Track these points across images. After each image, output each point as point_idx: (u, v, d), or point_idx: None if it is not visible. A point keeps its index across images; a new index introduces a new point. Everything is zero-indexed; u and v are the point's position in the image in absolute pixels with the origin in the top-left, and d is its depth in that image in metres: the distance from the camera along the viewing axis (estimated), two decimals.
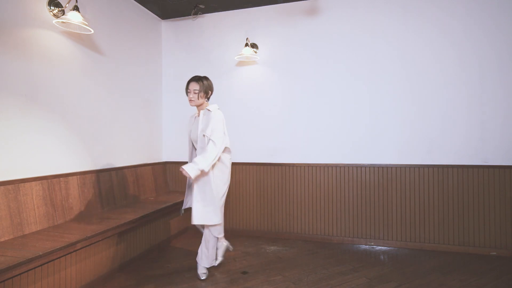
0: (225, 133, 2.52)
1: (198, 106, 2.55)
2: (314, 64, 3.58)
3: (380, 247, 3.31)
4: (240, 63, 3.81)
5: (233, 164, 3.81)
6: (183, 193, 3.79)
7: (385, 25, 3.36)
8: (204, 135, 2.45)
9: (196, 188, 2.44)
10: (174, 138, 4.08)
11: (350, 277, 2.57)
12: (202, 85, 2.49)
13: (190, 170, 2.30)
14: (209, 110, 2.51)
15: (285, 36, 3.67)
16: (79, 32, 2.67)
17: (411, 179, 3.28)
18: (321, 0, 3.55)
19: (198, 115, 2.58)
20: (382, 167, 3.35)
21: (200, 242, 2.63)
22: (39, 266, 1.89)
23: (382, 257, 3.03)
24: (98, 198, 2.87)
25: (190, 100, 2.49)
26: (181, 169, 2.32)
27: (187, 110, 4.02)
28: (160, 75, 4.09)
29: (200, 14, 3.88)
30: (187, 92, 2.51)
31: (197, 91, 2.47)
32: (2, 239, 2.03)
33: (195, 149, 2.62)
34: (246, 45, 3.51)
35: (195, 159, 2.36)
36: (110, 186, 3.05)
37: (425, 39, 3.25)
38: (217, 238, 2.62)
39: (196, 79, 2.50)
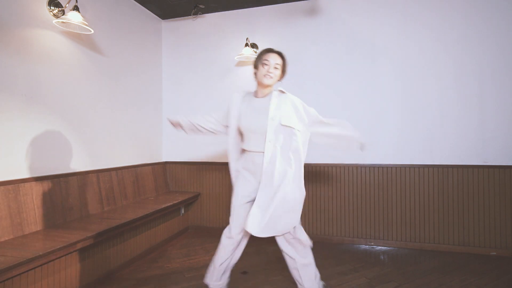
0: None
1: (269, 86, 1.99)
2: (313, 64, 3.58)
3: (380, 247, 3.30)
4: (240, 63, 3.80)
5: None
6: (182, 193, 3.79)
7: (385, 25, 3.36)
8: (286, 126, 1.89)
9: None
10: (174, 138, 4.08)
11: (350, 277, 2.57)
12: (284, 63, 1.99)
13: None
14: (282, 91, 1.99)
15: (285, 36, 3.67)
16: (79, 32, 2.67)
17: (411, 179, 3.27)
18: (321, 0, 3.55)
19: (258, 95, 2.03)
20: (382, 167, 3.35)
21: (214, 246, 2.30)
22: (39, 266, 1.89)
23: (382, 257, 3.03)
24: (98, 198, 2.87)
25: (267, 76, 1.91)
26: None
27: (187, 110, 4.02)
28: (160, 75, 4.09)
29: (200, 14, 3.88)
30: (261, 64, 1.95)
31: (279, 66, 1.95)
32: (2, 239, 2.03)
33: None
34: (246, 45, 3.51)
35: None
36: (110, 186, 3.04)
37: (425, 38, 3.25)
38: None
39: (279, 52, 1.98)
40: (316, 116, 2.02)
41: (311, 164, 3.55)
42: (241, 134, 2.07)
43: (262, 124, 1.90)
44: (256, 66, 1.99)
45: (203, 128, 2.22)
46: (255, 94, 2.05)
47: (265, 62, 1.93)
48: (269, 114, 1.89)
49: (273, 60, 1.93)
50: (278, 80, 2.01)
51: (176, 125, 2.29)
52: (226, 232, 2.10)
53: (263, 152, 1.91)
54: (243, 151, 2.09)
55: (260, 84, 1.99)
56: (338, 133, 2.05)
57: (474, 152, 3.13)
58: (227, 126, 2.14)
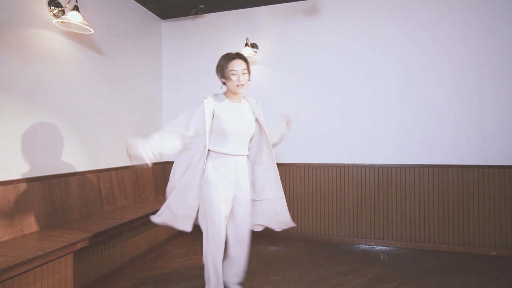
0: None
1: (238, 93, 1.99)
2: (313, 64, 3.58)
3: (380, 247, 3.30)
4: None
5: None
6: None
7: (385, 24, 3.36)
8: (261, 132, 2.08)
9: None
10: None
11: (350, 277, 2.57)
12: (248, 64, 1.97)
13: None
14: (248, 101, 2.11)
15: (285, 36, 3.67)
16: (79, 32, 2.67)
17: (411, 179, 3.27)
18: (321, 0, 3.55)
19: (234, 100, 2.04)
20: (382, 167, 3.35)
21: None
22: (39, 266, 1.89)
23: (382, 257, 3.03)
24: (98, 198, 2.87)
25: (240, 85, 1.92)
26: None
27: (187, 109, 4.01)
28: (160, 74, 4.09)
29: (200, 14, 3.88)
30: (229, 74, 1.91)
31: (246, 72, 1.93)
32: (2, 239, 2.03)
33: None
34: (246, 45, 3.51)
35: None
36: (110, 186, 3.04)
37: (425, 37, 3.25)
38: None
39: (241, 56, 1.94)
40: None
41: (311, 164, 3.55)
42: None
43: (251, 128, 2.01)
44: (224, 77, 1.96)
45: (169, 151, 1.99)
46: (230, 98, 2.03)
47: (233, 72, 1.91)
48: (252, 119, 2.03)
49: (239, 67, 1.92)
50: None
51: (133, 157, 1.85)
52: (219, 258, 1.99)
53: (243, 156, 2.04)
54: (217, 154, 1.98)
55: (233, 92, 2.00)
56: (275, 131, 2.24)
57: (474, 152, 3.13)
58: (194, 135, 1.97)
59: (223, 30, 3.88)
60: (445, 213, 3.19)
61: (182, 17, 4.03)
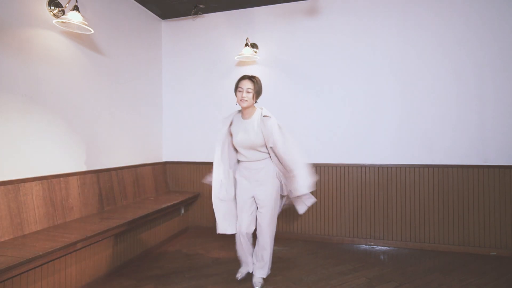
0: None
1: (247, 108, 2.32)
2: (313, 64, 3.58)
3: (380, 247, 3.30)
4: (240, 63, 3.81)
5: None
6: (182, 193, 3.78)
7: (384, 24, 3.36)
8: (266, 146, 2.32)
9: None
10: (174, 138, 4.08)
11: (350, 277, 2.57)
12: (256, 84, 2.29)
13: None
14: (266, 116, 2.32)
15: (285, 36, 3.67)
16: (79, 32, 2.67)
17: (411, 179, 3.27)
18: (321, 0, 3.55)
19: (244, 117, 2.38)
20: (382, 167, 3.35)
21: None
22: (39, 266, 1.89)
23: (382, 257, 3.03)
24: (98, 198, 2.87)
25: (243, 100, 2.26)
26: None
27: (187, 110, 4.02)
28: (160, 75, 4.09)
29: (200, 14, 3.88)
30: (237, 91, 2.29)
31: (251, 90, 2.26)
32: (2, 239, 2.03)
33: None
34: (246, 45, 3.51)
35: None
36: (110, 186, 3.04)
37: (425, 37, 3.25)
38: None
39: (249, 77, 2.31)
40: (275, 145, 2.29)
41: (311, 164, 3.55)
42: (235, 148, 2.45)
43: (252, 141, 2.31)
44: (235, 93, 2.32)
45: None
46: (242, 115, 2.39)
47: (239, 89, 2.28)
48: (253, 134, 2.30)
49: (245, 86, 2.26)
50: (254, 100, 2.31)
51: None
52: (239, 245, 2.47)
53: (257, 161, 2.38)
54: (238, 161, 2.50)
55: (241, 107, 2.33)
56: (291, 167, 2.32)
57: (474, 152, 3.13)
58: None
59: (223, 30, 3.88)
60: (445, 213, 3.19)
61: (182, 17, 4.03)
